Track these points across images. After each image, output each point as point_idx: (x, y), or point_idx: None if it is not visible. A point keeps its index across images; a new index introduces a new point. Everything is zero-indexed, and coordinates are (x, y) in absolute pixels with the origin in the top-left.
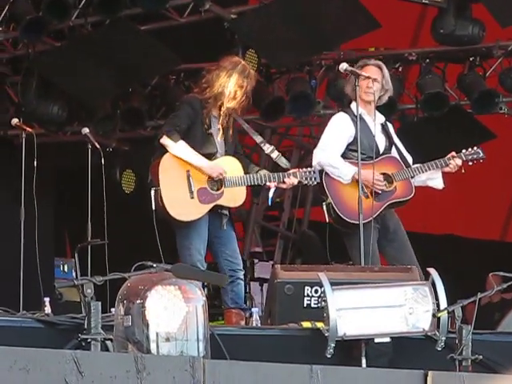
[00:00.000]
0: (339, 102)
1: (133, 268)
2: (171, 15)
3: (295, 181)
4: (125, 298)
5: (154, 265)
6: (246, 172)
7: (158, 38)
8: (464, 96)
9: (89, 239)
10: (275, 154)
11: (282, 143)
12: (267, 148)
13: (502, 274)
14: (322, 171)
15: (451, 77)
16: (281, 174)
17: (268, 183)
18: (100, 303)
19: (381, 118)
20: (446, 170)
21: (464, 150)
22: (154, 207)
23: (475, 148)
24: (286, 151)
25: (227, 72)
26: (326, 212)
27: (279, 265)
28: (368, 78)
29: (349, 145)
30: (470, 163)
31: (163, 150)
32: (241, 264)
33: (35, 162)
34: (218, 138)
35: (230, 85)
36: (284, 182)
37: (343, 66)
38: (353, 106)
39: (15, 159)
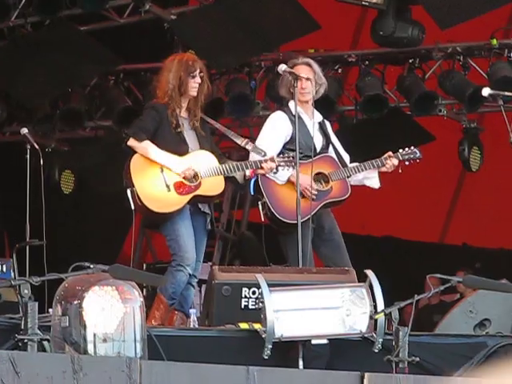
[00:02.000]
0: (279, 104)
1: (70, 268)
2: (111, 16)
3: (273, 165)
4: (62, 299)
5: (91, 265)
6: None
7: (98, 39)
8: (403, 98)
9: (27, 239)
10: (250, 146)
11: (221, 144)
12: (241, 141)
13: (439, 276)
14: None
15: (391, 79)
16: (257, 161)
17: (246, 170)
18: (37, 304)
19: (318, 117)
20: (383, 169)
21: (401, 150)
22: (132, 207)
23: (412, 148)
24: (226, 152)
25: (167, 68)
26: (261, 211)
27: (217, 266)
28: (307, 79)
29: (286, 144)
30: (407, 163)
31: (132, 152)
32: (198, 270)
33: None
34: (190, 136)
35: (173, 76)
36: (262, 168)
37: (282, 67)
38: (290, 104)
39: None
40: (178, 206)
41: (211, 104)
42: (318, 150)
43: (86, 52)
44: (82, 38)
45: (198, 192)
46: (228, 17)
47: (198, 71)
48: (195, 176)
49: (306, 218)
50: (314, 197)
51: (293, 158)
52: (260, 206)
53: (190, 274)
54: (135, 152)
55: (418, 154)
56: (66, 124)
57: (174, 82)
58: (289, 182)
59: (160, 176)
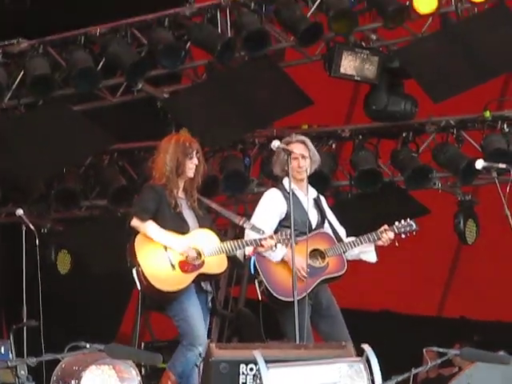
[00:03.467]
0: (273, 180)
1: (67, 349)
2: (104, 95)
3: (273, 243)
4: (60, 379)
5: (88, 345)
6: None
7: (92, 118)
8: (397, 172)
9: (24, 320)
10: (248, 225)
11: (217, 221)
12: (238, 220)
13: (436, 349)
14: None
15: (384, 153)
16: (257, 239)
17: (246, 248)
18: None
19: (313, 193)
20: (379, 243)
21: (397, 223)
22: (139, 287)
23: (408, 220)
24: (222, 229)
25: (163, 149)
26: (258, 289)
27: (213, 343)
28: (302, 156)
29: (281, 221)
30: (403, 236)
31: (135, 232)
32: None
33: None
34: (189, 216)
35: (171, 157)
36: (262, 246)
37: (275, 143)
38: (285, 181)
39: None
40: (183, 284)
41: (206, 182)
42: (314, 226)
43: (79, 132)
44: (76, 118)
45: (202, 270)
46: (221, 94)
47: (195, 152)
48: (198, 255)
49: (303, 295)
50: (305, 278)
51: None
52: (257, 284)
53: (199, 354)
54: (137, 232)
55: (414, 227)
56: (61, 204)
57: (171, 164)
58: (283, 260)
59: (165, 255)
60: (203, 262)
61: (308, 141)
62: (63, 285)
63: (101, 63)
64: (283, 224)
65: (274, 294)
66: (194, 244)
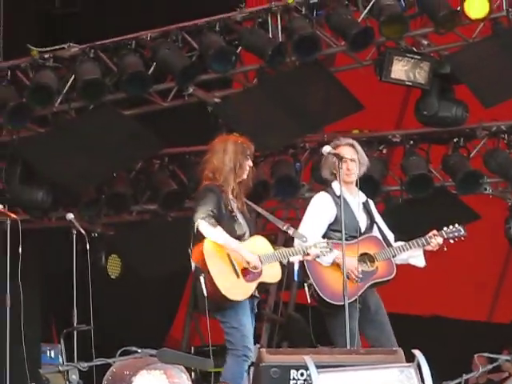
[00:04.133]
0: (324, 185)
1: (118, 353)
2: (155, 100)
3: (318, 252)
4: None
5: (139, 350)
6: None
7: (142, 123)
8: (448, 177)
9: (74, 325)
10: (291, 231)
11: (267, 227)
12: (282, 225)
13: (486, 355)
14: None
15: (435, 158)
16: (304, 247)
17: (292, 258)
18: None
19: (362, 197)
20: (428, 248)
21: (445, 228)
22: (205, 293)
23: (456, 225)
24: (272, 234)
25: (220, 149)
26: (308, 293)
27: (264, 348)
28: (351, 159)
29: (330, 225)
30: (452, 241)
31: (200, 237)
32: None
33: (20, 249)
34: (241, 219)
35: (230, 157)
36: (308, 254)
37: (326, 148)
38: (334, 185)
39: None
40: (247, 293)
41: (257, 186)
42: (363, 230)
43: (130, 136)
44: (126, 122)
45: (261, 279)
46: (271, 99)
47: (251, 154)
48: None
49: (353, 299)
50: (359, 279)
51: (331, 245)
52: (306, 288)
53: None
54: (200, 237)
55: (463, 232)
56: (111, 208)
57: (230, 164)
58: (334, 263)
59: (229, 262)
60: (261, 271)
61: (356, 144)
62: (114, 289)
63: (151, 68)
64: (332, 228)
65: (324, 298)
66: (254, 251)
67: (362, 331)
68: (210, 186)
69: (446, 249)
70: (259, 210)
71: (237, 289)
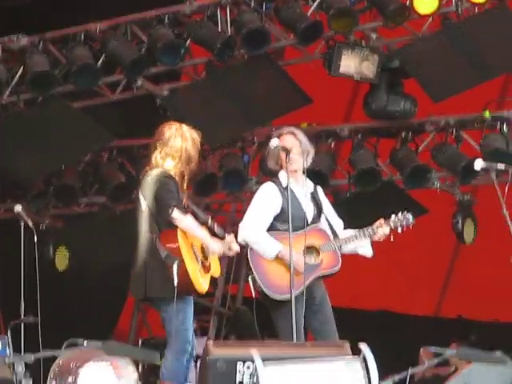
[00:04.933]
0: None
1: (64, 345)
2: (104, 92)
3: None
4: (57, 375)
5: (85, 342)
6: None
7: (91, 115)
8: (396, 171)
9: (22, 317)
10: (214, 225)
11: (215, 219)
12: (207, 219)
13: (432, 349)
14: (247, 246)
15: (384, 152)
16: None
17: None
18: (31, 380)
19: (310, 186)
20: (375, 238)
21: (393, 216)
22: (175, 282)
23: (405, 213)
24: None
25: (180, 135)
26: (252, 286)
27: (211, 341)
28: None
29: (276, 216)
30: (400, 229)
31: (168, 224)
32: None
33: None
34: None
35: (187, 146)
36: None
37: (274, 142)
38: (281, 175)
39: None
40: (207, 285)
41: (204, 179)
42: (310, 220)
43: (79, 129)
44: (75, 114)
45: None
46: (220, 92)
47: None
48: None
49: (298, 292)
50: (302, 274)
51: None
52: (250, 281)
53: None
54: (170, 224)
55: (411, 220)
56: (60, 200)
57: (186, 154)
58: (277, 257)
59: (193, 253)
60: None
61: (299, 132)
62: (61, 281)
63: (100, 60)
64: (278, 219)
65: (268, 293)
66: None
67: (306, 323)
68: (168, 174)
69: (392, 239)
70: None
71: (202, 280)
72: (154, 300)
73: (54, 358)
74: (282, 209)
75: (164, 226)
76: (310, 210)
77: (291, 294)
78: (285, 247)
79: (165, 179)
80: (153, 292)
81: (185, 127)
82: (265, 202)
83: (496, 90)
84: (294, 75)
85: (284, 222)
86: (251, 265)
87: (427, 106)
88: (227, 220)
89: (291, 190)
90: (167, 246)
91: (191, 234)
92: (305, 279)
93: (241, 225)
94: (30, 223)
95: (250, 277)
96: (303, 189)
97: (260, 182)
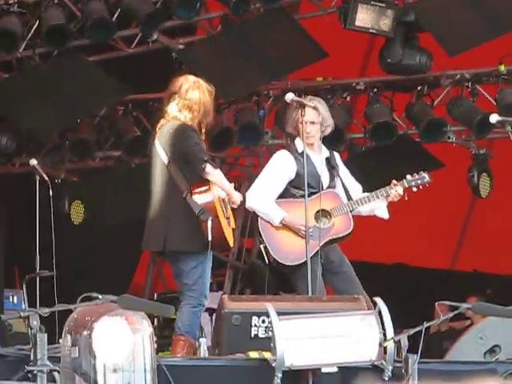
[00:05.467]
0: (287, 137)
1: (79, 299)
2: (119, 46)
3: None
4: (72, 330)
5: (100, 296)
6: None
7: (106, 69)
8: (412, 125)
9: (37, 271)
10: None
11: (231, 173)
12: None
13: (448, 303)
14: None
15: (399, 106)
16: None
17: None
18: (46, 335)
19: (325, 152)
20: (389, 199)
21: (408, 176)
22: (210, 237)
23: (420, 173)
24: (236, 181)
25: (200, 90)
26: (265, 254)
27: (226, 295)
28: (312, 122)
29: (291, 181)
30: (415, 189)
31: (200, 179)
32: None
33: None
34: None
35: (206, 101)
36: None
37: (289, 96)
38: (297, 141)
39: None
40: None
41: (220, 133)
42: (325, 185)
43: (94, 83)
44: (91, 68)
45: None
46: (236, 46)
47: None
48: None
49: (311, 254)
50: (303, 238)
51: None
52: (263, 249)
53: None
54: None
55: (427, 179)
56: (75, 154)
57: (205, 108)
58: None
59: (221, 210)
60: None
61: (321, 107)
62: (77, 235)
63: (116, 14)
64: (293, 184)
65: (280, 260)
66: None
67: (329, 285)
68: (189, 125)
69: (406, 198)
70: None
71: (231, 236)
72: (173, 253)
73: (69, 313)
74: (297, 174)
75: (193, 179)
76: (325, 175)
77: (306, 252)
78: (289, 214)
79: (189, 132)
80: (175, 245)
81: (201, 80)
82: (274, 170)
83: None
84: (309, 29)
85: (298, 187)
86: (262, 233)
87: (443, 60)
88: (243, 174)
89: (307, 155)
90: (202, 201)
91: (218, 187)
92: (316, 242)
93: (247, 193)
94: (46, 177)
95: (261, 245)
96: (319, 155)
97: (275, 136)
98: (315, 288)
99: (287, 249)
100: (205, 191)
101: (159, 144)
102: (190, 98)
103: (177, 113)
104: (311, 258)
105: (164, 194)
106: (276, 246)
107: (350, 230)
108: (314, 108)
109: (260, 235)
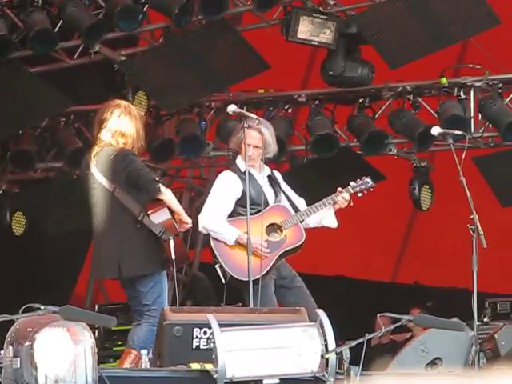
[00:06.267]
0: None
1: (21, 310)
2: (61, 57)
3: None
4: (13, 341)
5: (42, 307)
6: None
7: (48, 80)
8: (353, 137)
9: None
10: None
11: (172, 185)
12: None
13: (389, 315)
14: (209, 235)
15: (341, 118)
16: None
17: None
18: None
19: (267, 170)
20: (336, 206)
21: (352, 183)
22: (173, 256)
23: (363, 178)
24: (177, 193)
25: (135, 117)
26: (221, 275)
27: (168, 307)
28: (255, 146)
29: (238, 200)
30: (360, 194)
31: (152, 199)
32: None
33: None
34: None
35: (139, 127)
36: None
37: (231, 107)
38: (238, 161)
39: None
40: None
41: (162, 145)
42: (271, 202)
43: (36, 94)
44: (33, 79)
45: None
46: (178, 57)
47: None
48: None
49: (266, 270)
50: (267, 254)
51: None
52: (218, 269)
53: None
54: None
55: (371, 183)
56: (16, 166)
57: (139, 135)
58: (237, 243)
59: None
60: None
61: (267, 132)
62: (18, 246)
63: (58, 25)
64: (240, 203)
65: (236, 276)
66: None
67: (281, 300)
68: (128, 150)
69: (351, 204)
70: None
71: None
72: (130, 278)
73: (11, 324)
74: (243, 193)
75: (145, 201)
76: (270, 192)
77: (249, 275)
78: (243, 232)
79: (130, 156)
80: (131, 271)
81: (131, 105)
82: (223, 190)
83: (453, 57)
84: (251, 41)
85: (246, 205)
86: (216, 253)
87: (384, 73)
88: (184, 185)
89: (250, 174)
90: (160, 220)
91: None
92: (270, 256)
93: (200, 215)
94: None
95: (217, 265)
96: (261, 173)
97: (217, 148)
98: (270, 304)
99: (242, 266)
100: (160, 210)
101: (98, 172)
102: (122, 123)
103: (110, 139)
104: (266, 273)
105: (113, 221)
106: (231, 264)
107: (302, 241)
108: (260, 132)
109: (214, 256)
